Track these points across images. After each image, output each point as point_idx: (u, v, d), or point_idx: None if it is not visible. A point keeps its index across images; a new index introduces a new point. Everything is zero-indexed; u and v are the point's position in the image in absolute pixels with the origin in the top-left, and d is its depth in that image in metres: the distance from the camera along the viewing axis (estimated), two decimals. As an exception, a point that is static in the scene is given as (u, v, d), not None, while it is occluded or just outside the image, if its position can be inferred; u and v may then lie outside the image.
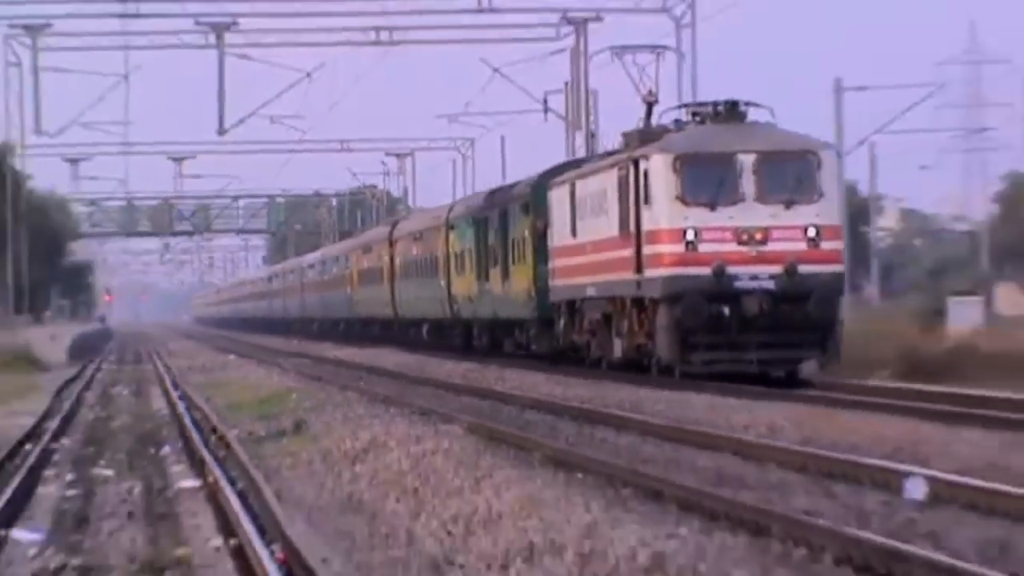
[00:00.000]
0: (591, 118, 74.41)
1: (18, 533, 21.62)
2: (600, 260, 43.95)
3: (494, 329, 61.21)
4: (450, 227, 67.36)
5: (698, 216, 39.00)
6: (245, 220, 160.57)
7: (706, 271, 38.64)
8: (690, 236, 38.79)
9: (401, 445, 29.05)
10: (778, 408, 33.41)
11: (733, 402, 35.83)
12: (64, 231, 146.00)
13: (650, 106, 46.25)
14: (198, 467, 28.83)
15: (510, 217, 56.59)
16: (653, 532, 17.68)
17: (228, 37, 74.49)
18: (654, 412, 34.84)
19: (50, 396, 54.04)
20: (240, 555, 18.60)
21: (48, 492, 26.96)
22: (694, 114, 42.14)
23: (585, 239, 45.84)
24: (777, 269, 38.74)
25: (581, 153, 67.96)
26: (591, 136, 71.97)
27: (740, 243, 38.78)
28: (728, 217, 38.98)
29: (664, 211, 39.38)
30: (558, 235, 49.42)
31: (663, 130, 42.64)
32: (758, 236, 38.86)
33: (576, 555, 16.59)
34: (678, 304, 38.80)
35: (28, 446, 34.31)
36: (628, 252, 41.05)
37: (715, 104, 41.19)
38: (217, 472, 26.49)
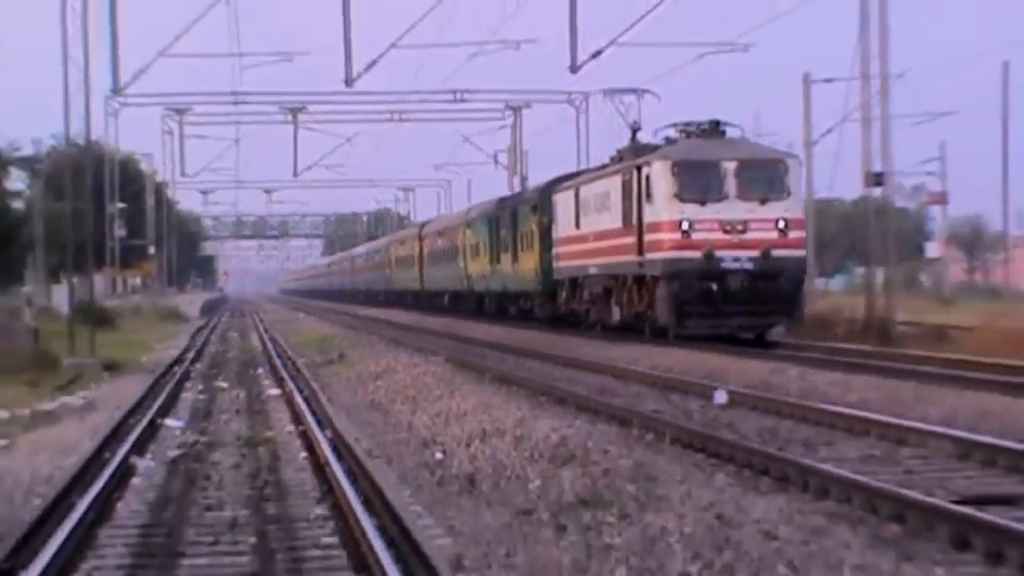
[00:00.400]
0: (524, 168, 74.66)
1: (169, 421, 21.55)
2: (603, 246, 39.03)
3: (502, 299, 55.77)
4: (467, 226, 61.94)
5: (691, 210, 33.82)
6: (310, 229, 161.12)
7: (698, 254, 33.52)
8: (685, 226, 33.67)
9: (405, 369, 29.01)
10: (636, 348, 33.35)
11: (607, 344, 35.84)
12: (198, 236, 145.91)
13: (634, 131, 40.63)
14: (279, 382, 28.76)
15: (519, 216, 51.39)
16: (559, 423, 17.67)
17: (300, 116, 74.37)
18: (567, 348, 34.78)
19: (189, 337, 53.92)
20: (305, 436, 18.57)
21: (187, 396, 26.89)
22: (682, 131, 36.86)
23: (588, 230, 40.74)
24: (755, 253, 33.58)
25: (517, 189, 67.37)
26: (524, 179, 71.96)
27: (725, 232, 33.64)
28: (715, 211, 33.77)
29: (664, 206, 34.25)
30: (562, 228, 44.29)
31: (650, 147, 37.46)
32: (739, 227, 33.67)
33: (512, 436, 16.58)
34: (675, 280, 33.63)
35: (175, 368, 34.23)
36: (631, 240, 36.11)
37: (699, 124, 36.57)
38: (291, 385, 26.46)
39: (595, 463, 14.18)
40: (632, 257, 36.01)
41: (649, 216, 34.93)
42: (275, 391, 26.98)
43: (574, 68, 44.98)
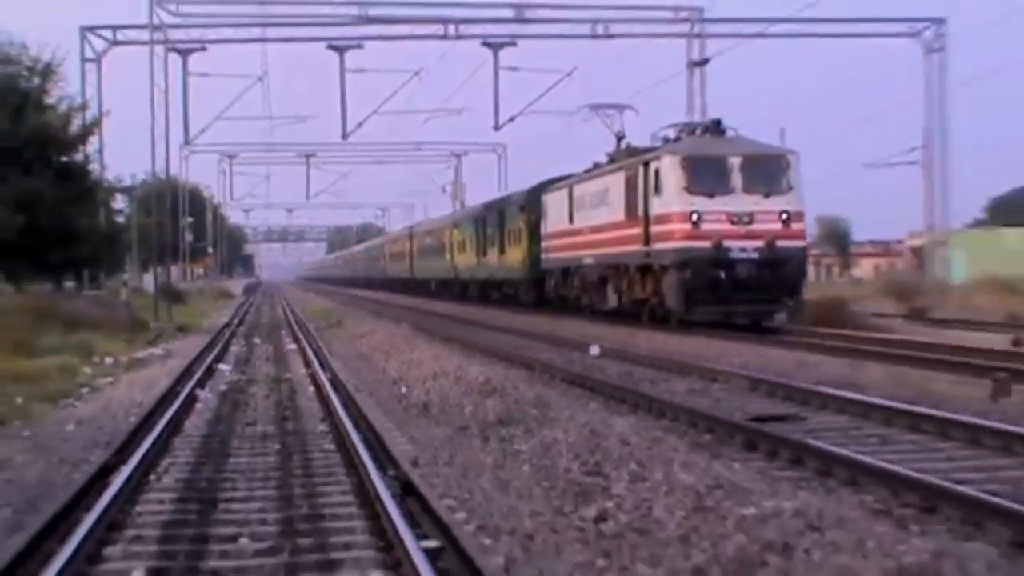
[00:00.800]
0: (463, 195, 74.59)
1: (221, 366, 21.33)
2: (601, 238, 30.85)
3: (485, 286, 46.29)
4: (455, 226, 52.35)
5: (701, 203, 26.06)
6: (317, 236, 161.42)
7: (707, 244, 25.83)
8: (695, 218, 25.94)
9: (381, 331, 28.80)
10: (535, 319, 33.24)
11: (522, 315, 35.70)
12: (241, 240, 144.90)
13: (619, 139, 33.01)
14: (296, 339, 28.53)
15: (507, 215, 42.24)
16: (487, 368, 17.64)
17: (312, 159, 73.98)
18: (496, 318, 34.57)
19: (235, 309, 53.36)
20: (313, 377, 18.39)
21: (234, 349, 26.61)
22: (683, 130, 29.10)
23: (583, 224, 32.38)
24: (760, 243, 25.80)
25: (459, 209, 66.66)
26: (462, 203, 71.49)
27: (732, 223, 25.81)
28: (723, 204, 25.96)
29: (675, 199, 26.49)
30: (552, 224, 35.45)
31: (641, 148, 29.79)
32: (746, 218, 25.77)
33: (454, 377, 16.52)
34: (686, 269, 26.15)
35: (225, 330, 33.83)
36: (635, 231, 28.25)
37: (700, 123, 29.50)
38: (304, 342, 26.25)
39: (509, 395, 14.17)
40: (637, 247, 28.42)
41: (658, 208, 27.50)
42: (292, 346, 26.75)
43: (497, 127, 44.92)
